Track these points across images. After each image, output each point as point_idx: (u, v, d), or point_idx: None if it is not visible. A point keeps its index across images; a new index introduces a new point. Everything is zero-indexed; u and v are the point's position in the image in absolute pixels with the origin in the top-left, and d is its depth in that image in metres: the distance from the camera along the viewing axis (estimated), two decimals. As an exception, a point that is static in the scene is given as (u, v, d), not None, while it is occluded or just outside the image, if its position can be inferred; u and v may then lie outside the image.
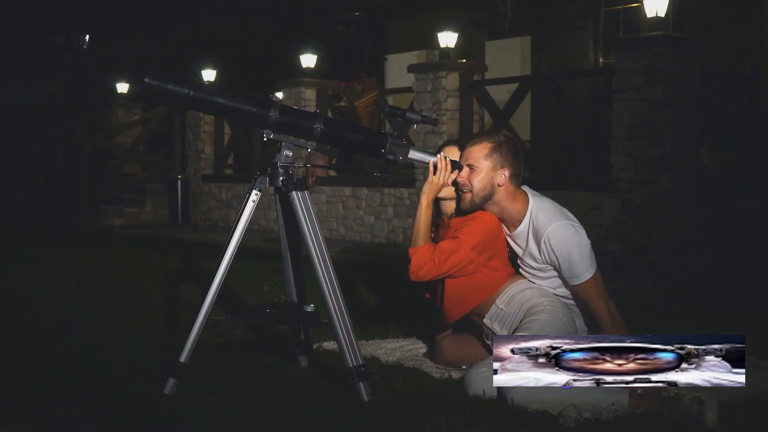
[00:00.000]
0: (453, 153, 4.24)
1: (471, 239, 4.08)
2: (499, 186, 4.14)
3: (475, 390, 3.76)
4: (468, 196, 4.17)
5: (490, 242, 4.14)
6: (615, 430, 3.36)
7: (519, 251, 4.21)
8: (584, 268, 4.07)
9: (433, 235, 4.29)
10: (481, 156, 4.14)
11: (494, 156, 4.14)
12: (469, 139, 4.28)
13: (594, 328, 4.16)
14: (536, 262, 4.14)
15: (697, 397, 3.42)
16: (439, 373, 4.21)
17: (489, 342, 4.20)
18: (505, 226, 4.23)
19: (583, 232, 4.11)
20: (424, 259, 4.05)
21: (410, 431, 3.35)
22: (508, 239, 4.24)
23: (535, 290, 4.16)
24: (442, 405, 3.62)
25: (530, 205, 4.15)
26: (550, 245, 4.05)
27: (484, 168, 4.13)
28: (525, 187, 4.23)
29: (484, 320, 4.19)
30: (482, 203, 4.17)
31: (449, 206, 4.28)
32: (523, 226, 4.15)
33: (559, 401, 3.52)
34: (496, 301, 4.16)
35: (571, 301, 4.22)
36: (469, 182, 4.15)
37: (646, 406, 3.53)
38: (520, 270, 4.27)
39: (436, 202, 4.29)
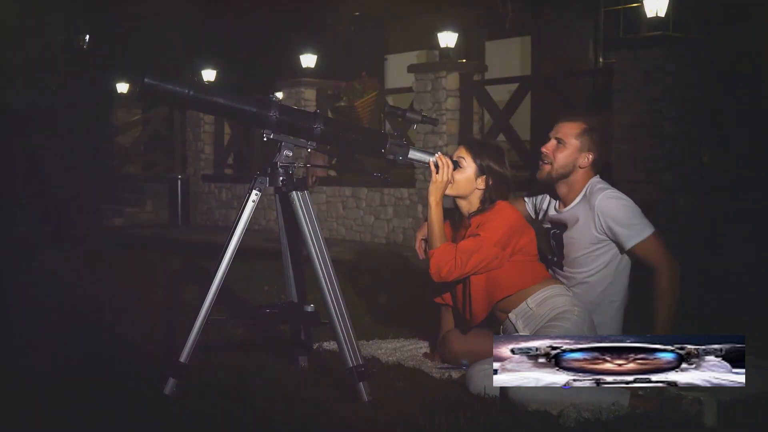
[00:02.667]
0: (461, 154, 4.22)
1: (493, 235, 4.05)
2: (580, 168, 4.20)
3: (476, 386, 3.76)
4: (547, 168, 4.22)
5: (512, 236, 4.09)
6: (615, 430, 3.36)
7: (567, 223, 4.24)
8: (642, 227, 4.12)
9: (460, 233, 4.27)
10: (572, 133, 4.20)
11: (584, 137, 4.19)
12: (566, 114, 4.32)
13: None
14: (589, 234, 4.16)
15: (696, 397, 3.42)
16: (440, 373, 4.21)
17: None
18: (561, 202, 4.29)
19: (630, 200, 4.19)
20: (443, 260, 4.03)
21: (410, 431, 3.35)
22: (558, 216, 4.28)
23: (569, 298, 4.11)
24: (442, 405, 3.62)
25: (588, 182, 4.21)
26: (604, 209, 4.11)
27: (571, 146, 4.19)
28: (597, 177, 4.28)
29: (509, 315, 4.13)
30: (558, 179, 4.24)
31: (465, 204, 4.25)
32: (577, 201, 4.21)
33: (559, 401, 3.52)
34: (528, 299, 4.10)
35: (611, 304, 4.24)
36: (553, 155, 4.19)
37: (646, 407, 3.53)
38: (565, 249, 4.27)
39: (454, 201, 4.29)
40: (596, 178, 4.27)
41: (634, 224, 4.13)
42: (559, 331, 3.93)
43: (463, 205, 4.25)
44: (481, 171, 4.18)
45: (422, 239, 4.49)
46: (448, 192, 4.19)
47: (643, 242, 4.12)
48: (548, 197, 4.45)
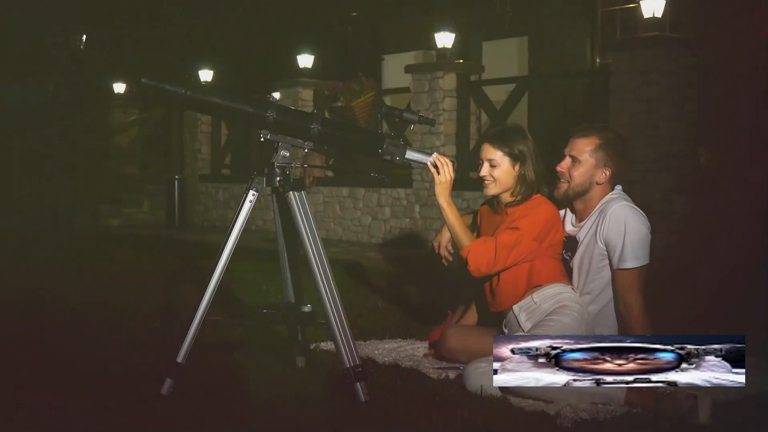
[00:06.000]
0: (488, 152, 4.19)
1: (532, 229, 4.06)
2: (598, 184, 4.15)
3: (472, 385, 3.76)
4: (564, 186, 4.20)
5: (549, 231, 4.12)
6: (611, 430, 3.35)
7: (580, 237, 4.22)
8: (634, 255, 4.06)
9: (495, 220, 4.28)
10: (586, 150, 4.14)
11: (599, 153, 4.13)
12: (579, 129, 4.24)
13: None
14: (597, 246, 4.12)
15: (691, 394, 3.41)
16: (437, 373, 4.21)
17: (506, 330, 4.21)
18: (577, 217, 4.26)
19: (647, 224, 4.11)
20: (482, 256, 4.04)
21: (407, 431, 3.34)
22: (573, 230, 4.27)
23: (572, 295, 4.13)
24: (438, 405, 3.61)
25: (607, 195, 4.16)
26: (611, 220, 4.06)
27: (586, 163, 4.14)
28: (618, 187, 4.24)
29: (513, 307, 4.17)
30: (575, 197, 4.20)
31: (505, 196, 4.23)
32: (591, 216, 4.18)
33: (552, 394, 3.54)
34: (533, 294, 4.13)
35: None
36: (569, 174, 4.16)
37: (642, 402, 3.53)
38: (575, 261, 4.25)
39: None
40: (617, 191, 4.22)
41: (637, 246, 4.07)
42: (556, 325, 3.98)
43: (504, 196, 4.24)
44: (514, 158, 4.16)
45: (447, 245, 4.51)
46: (494, 191, 4.18)
47: (635, 270, 4.09)
48: (567, 209, 4.41)
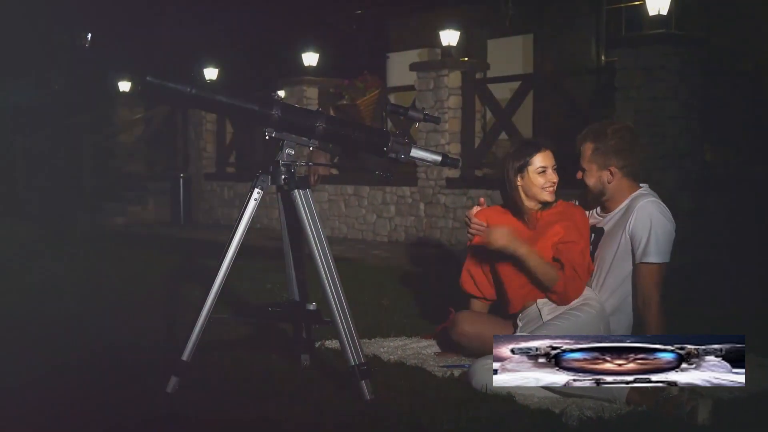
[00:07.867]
0: (551, 157, 4.26)
1: (582, 236, 4.20)
2: (609, 183, 4.24)
3: (478, 382, 3.78)
4: (587, 191, 4.32)
5: (587, 229, 4.27)
6: (616, 428, 3.36)
7: (605, 228, 4.30)
8: (656, 250, 4.13)
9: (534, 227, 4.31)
10: (586, 157, 4.25)
11: (597, 156, 4.22)
12: (579, 136, 4.32)
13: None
14: (621, 237, 4.19)
15: (693, 395, 3.41)
16: (442, 371, 4.21)
17: (520, 323, 4.26)
18: (604, 209, 4.35)
19: (672, 222, 4.23)
20: (576, 290, 4.17)
21: (412, 430, 3.35)
22: (599, 219, 4.35)
23: (594, 293, 4.23)
24: (444, 403, 3.62)
25: (637, 191, 4.25)
26: (638, 214, 4.14)
27: (590, 170, 4.25)
28: (644, 185, 4.31)
29: (538, 301, 4.23)
30: (598, 198, 4.31)
31: (531, 204, 4.30)
32: (618, 210, 4.26)
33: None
34: None
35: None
36: (584, 181, 4.29)
37: (644, 401, 3.53)
38: (597, 252, 4.32)
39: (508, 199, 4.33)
40: (645, 188, 4.30)
41: (662, 242, 4.15)
42: (574, 319, 4.05)
43: (531, 205, 4.31)
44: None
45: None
46: (547, 197, 4.25)
47: (656, 265, 4.14)
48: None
